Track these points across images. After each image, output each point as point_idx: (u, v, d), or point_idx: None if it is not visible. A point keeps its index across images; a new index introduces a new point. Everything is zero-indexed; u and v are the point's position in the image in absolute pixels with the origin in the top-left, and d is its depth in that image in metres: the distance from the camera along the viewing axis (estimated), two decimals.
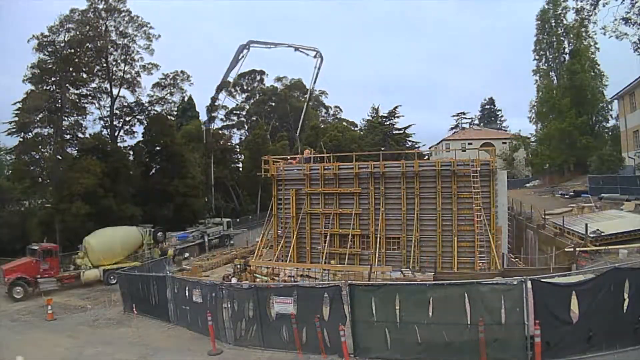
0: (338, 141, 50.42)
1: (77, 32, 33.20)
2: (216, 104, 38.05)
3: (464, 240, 20.46)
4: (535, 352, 7.88)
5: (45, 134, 31.16)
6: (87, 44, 34.01)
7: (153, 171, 40.02)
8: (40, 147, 30.99)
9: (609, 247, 15.65)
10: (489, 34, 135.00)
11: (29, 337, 14.53)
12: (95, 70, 36.17)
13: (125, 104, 39.63)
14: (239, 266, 22.61)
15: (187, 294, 13.51)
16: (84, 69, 33.86)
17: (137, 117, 40.22)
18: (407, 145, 57.63)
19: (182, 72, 41.84)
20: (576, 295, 8.21)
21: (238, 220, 41.34)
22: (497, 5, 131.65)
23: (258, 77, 63.24)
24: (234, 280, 19.42)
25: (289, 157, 29.16)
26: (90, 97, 36.47)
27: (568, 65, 39.22)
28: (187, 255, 30.45)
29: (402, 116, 60.78)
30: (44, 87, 31.29)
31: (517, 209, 26.21)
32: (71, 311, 18.76)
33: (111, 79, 37.75)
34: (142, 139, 39.64)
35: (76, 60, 32.56)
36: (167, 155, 38.31)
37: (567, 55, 41.43)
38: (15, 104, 30.74)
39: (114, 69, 37.95)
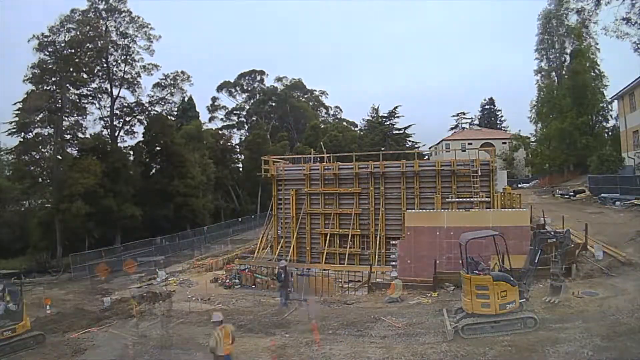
0: (338, 141, 50.46)
1: (78, 32, 33.26)
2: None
3: None
4: None
5: (46, 134, 31.24)
6: (88, 44, 34.04)
7: (153, 171, 40.08)
8: (40, 147, 31.06)
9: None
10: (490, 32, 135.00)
11: None
12: (96, 70, 36.18)
13: (126, 104, 39.58)
14: (238, 267, 22.50)
15: None
16: (84, 69, 33.91)
17: (137, 117, 40.16)
18: (407, 145, 57.67)
19: (182, 72, 41.79)
20: None
21: (240, 220, 41.36)
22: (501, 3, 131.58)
23: (258, 77, 63.36)
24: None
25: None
26: (90, 97, 36.51)
27: (569, 65, 39.23)
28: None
29: (402, 116, 61.16)
30: (44, 87, 31.34)
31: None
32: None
33: (111, 79, 37.72)
34: (142, 139, 39.72)
35: (76, 60, 32.61)
36: (167, 155, 38.36)
37: (568, 55, 41.45)
38: (15, 104, 30.86)
39: (114, 69, 37.92)
